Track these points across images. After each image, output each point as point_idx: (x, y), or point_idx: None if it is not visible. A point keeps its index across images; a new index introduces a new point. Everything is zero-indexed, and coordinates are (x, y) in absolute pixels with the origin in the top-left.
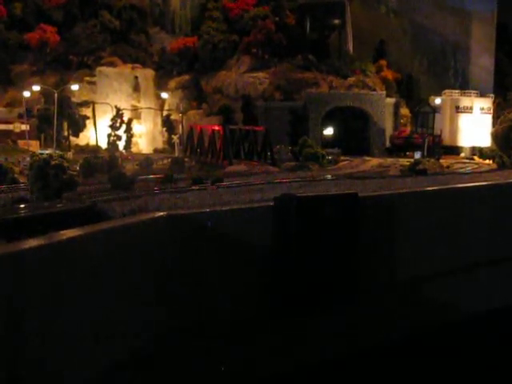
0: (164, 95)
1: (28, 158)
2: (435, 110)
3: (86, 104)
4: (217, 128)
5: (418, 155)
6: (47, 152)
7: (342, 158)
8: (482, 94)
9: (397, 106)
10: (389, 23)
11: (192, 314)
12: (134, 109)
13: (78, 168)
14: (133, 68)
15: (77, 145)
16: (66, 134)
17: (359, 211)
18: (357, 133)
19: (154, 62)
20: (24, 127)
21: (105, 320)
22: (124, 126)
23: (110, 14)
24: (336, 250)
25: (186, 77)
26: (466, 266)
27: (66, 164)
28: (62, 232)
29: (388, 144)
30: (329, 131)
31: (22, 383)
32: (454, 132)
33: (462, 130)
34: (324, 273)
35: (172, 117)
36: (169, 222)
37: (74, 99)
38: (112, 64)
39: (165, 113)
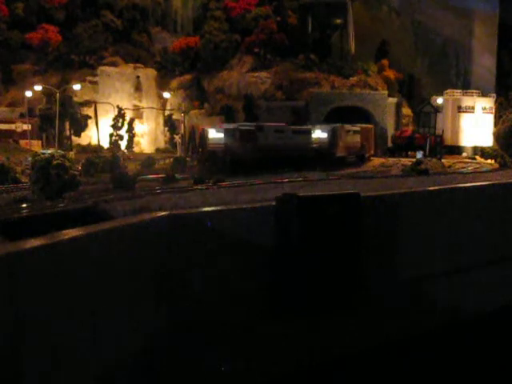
0: (166, 95)
1: (30, 158)
2: (437, 109)
3: (87, 104)
4: None
5: (419, 155)
6: (49, 152)
7: None
8: (484, 94)
9: (399, 106)
10: (391, 23)
11: (192, 314)
12: (136, 108)
13: (79, 168)
14: (135, 68)
15: (79, 144)
16: (67, 133)
17: (361, 211)
18: None
19: (156, 61)
20: (26, 127)
21: (105, 319)
22: (126, 126)
23: (111, 14)
24: (337, 250)
25: (188, 76)
26: (466, 265)
27: (67, 163)
28: (63, 232)
29: (390, 144)
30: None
31: (23, 382)
32: (455, 132)
33: (464, 130)
34: (325, 273)
35: (174, 116)
36: (170, 222)
37: (75, 99)
38: (114, 64)
39: (167, 112)
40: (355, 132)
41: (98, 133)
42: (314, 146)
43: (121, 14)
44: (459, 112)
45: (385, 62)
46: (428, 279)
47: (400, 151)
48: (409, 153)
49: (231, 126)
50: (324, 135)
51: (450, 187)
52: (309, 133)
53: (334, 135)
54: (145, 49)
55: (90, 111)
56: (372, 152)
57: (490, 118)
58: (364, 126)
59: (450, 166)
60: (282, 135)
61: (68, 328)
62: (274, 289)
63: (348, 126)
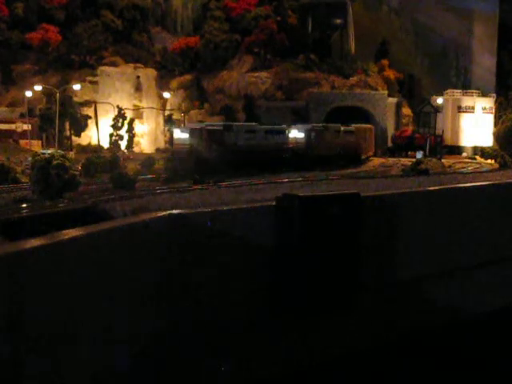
0: (166, 95)
1: (30, 158)
2: (437, 109)
3: (87, 104)
4: None
5: (419, 155)
6: (49, 152)
7: None
8: (484, 94)
9: (399, 106)
10: (391, 23)
11: (193, 314)
12: (136, 108)
13: (79, 168)
14: (135, 68)
15: (79, 144)
16: (67, 133)
17: (361, 211)
18: None
19: (156, 61)
20: (26, 127)
21: (105, 319)
22: (126, 126)
23: (111, 14)
24: (338, 250)
25: (188, 76)
26: (466, 265)
27: (67, 164)
28: (63, 232)
29: (390, 144)
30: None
31: (22, 382)
32: (455, 132)
33: (464, 130)
34: (325, 273)
35: (174, 116)
36: (170, 222)
37: (75, 99)
38: (114, 64)
39: (167, 112)
40: (347, 132)
41: (98, 133)
42: (290, 146)
43: (121, 14)
44: (459, 112)
45: (385, 62)
46: (428, 279)
47: (400, 151)
48: (409, 153)
49: (197, 125)
50: (301, 135)
51: (450, 187)
52: (283, 133)
53: (311, 135)
54: (145, 49)
55: (90, 111)
56: (371, 152)
57: (490, 118)
58: (361, 126)
59: (450, 166)
60: (253, 135)
61: (68, 328)
62: (273, 289)
63: (337, 126)
